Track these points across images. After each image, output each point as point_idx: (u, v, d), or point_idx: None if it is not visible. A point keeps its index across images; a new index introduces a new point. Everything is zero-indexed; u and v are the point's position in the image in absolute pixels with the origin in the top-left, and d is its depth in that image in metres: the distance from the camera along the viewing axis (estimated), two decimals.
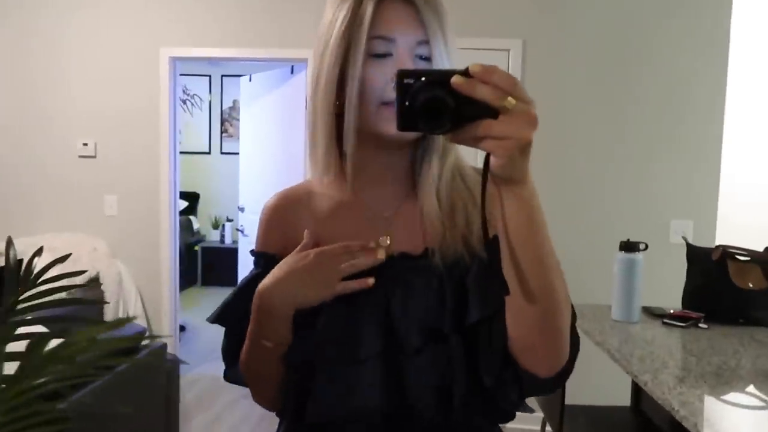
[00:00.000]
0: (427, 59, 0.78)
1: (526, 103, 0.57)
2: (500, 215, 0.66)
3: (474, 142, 0.58)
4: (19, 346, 0.76)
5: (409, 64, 0.76)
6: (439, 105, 0.57)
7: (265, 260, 0.87)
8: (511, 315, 0.72)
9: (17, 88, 3.48)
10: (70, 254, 0.78)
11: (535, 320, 0.69)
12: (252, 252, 0.90)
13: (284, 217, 0.88)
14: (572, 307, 0.74)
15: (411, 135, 0.77)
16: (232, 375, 0.89)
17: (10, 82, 3.48)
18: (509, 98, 0.56)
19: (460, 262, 0.78)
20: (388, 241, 0.81)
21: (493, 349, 0.74)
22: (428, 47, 0.78)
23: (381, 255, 0.79)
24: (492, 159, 0.60)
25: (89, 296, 3.24)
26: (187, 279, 6.25)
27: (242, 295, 0.85)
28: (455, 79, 0.57)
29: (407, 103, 0.58)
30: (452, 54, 0.79)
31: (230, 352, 0.88)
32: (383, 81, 0.75)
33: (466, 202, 0.82)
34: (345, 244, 0.80)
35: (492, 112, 0.57)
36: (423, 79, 0.59)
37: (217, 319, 0.87)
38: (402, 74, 0.60)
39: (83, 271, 0.84)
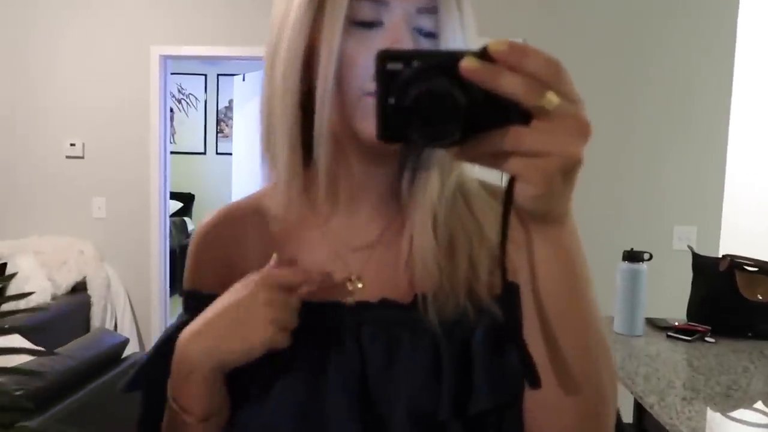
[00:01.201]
0: (432, 35, 0.56)
1: (573, 102, 0.38)
2: (526, 267, 0.46)
3: (493, 160, 0.39)
4: None
5: (405, 40, 0.54)
6: (443, 103, 0.38)
7: (196, 302, 0.63)
8: (534, 406, 0.52)
9: (3, 87, 3.38)
10: (16, 273, 0.68)
11: (568, 417, 0.50)
12: (181, 292, 0.67)
13: (223, 243, 0.65)
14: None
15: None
16: None
17: None
18: (549, 94, 0.37)
19: (462, 319, 0.57)
20: (360, 285, 0.61)
21: None
22: (434, 18, 0.55)
23: (349, 299, 0.58)
24: (518, 185, 0.40)
25: (76, 301, 3.15)
26: (181, 282, 6.15)
27: (163, 350, 0.61)
28: (467, 63, 0.37)
29: (393, 101, 0.39)
30: (468, 31, 0.57)
31: (147, 425, 0.64)
32: (368, 60, 0.52)
33: (471, 234, 0.59)
34: (305, 272, 0.58)
35: (522, 114, 0.39)
36: (417, 63, 0.39)
37: (131, 385, 0.63)
38: (384, 57, 0.40)
39: (31, 293, 0.74)
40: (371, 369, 0.57)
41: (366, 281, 0.61)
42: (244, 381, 0.58)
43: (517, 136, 0.38)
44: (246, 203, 0.69)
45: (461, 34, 0.56)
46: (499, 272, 0.44)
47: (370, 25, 0.55)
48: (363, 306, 0.60)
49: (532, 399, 0.52)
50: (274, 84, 0.59)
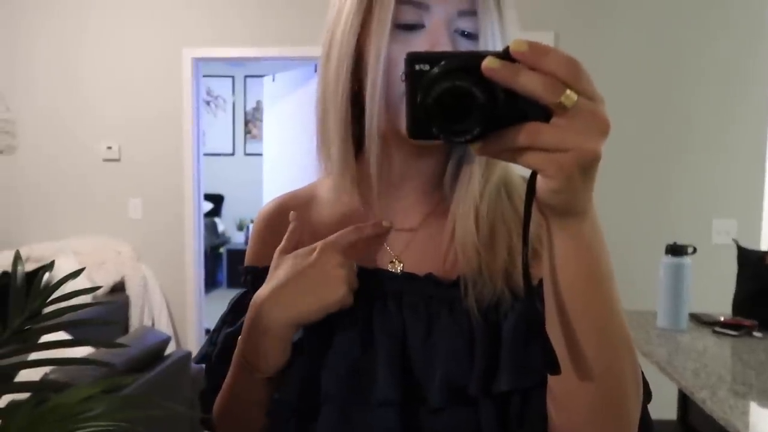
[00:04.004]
0: (472, 36, 0.59)
1: (592, 99, 0.40)
2: (546, 258, 0.48)
3: (513, 154, 0.42)
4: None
5: (444, 41, 0.57)
6: (462, 100, 0.40)
7: (254, 276, 0.70)
8: (556, 394, 0.54)
9: (40, 92, 3.46)
10: (83, 269, 0.70)
11: (589, 407, 0.51)
12: (240, 269, 0.74)
13: (280, 228, 0.70)
14: (646, 383, 0.56)
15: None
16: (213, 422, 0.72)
17: (34, 86, 3.47)
18: (568, 92, 0.39)
19: (499, 304, 0.60)
20: (400, 266, 0.65)
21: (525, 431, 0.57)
22: (474, 20, 0.58)
23: (387, 224, 0.65)
24: (540, 180, 0.43)
25: (115, 301, 3.21)
26: (212, 281, 6.24)
27: (226, 322, 0.71)
28: (489, 63, 0.39)
29: (419, 100, 0.42)
30: (509, 31, 0.59)
31: (214, 393, 0.70)
32: None
33: (511, 227, 0.62)
34: (356, 227, 0.63)
35: (542, 112, 0.40)
36: (442, 64, 0.42)
37: (203, 357, 0.72)
38: (413, 58, 0.43)
39: (98, 287, 0.76)
40: (411, 338, 0.61)
41: (407, 263, 0.65)
42: (301, 337, 0.63)
43: (535, 132, 0.40)
44: (302, 192, 0.75)
45: (500, 35, 0.59)
46: (531, 263, 0.46)
47: (412, 27, 0.59)
48: (409, 277, 0.64)
49: (552, 384, 0.54)
50: (327, 83, 0.64)
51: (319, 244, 0.62)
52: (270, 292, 0.61)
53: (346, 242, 0.62)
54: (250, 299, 0.68)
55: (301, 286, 0.60)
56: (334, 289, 0.59)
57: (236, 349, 0.65)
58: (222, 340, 0.70)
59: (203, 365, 0.74)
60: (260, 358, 0.62)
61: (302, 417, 0.62)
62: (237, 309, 0.71)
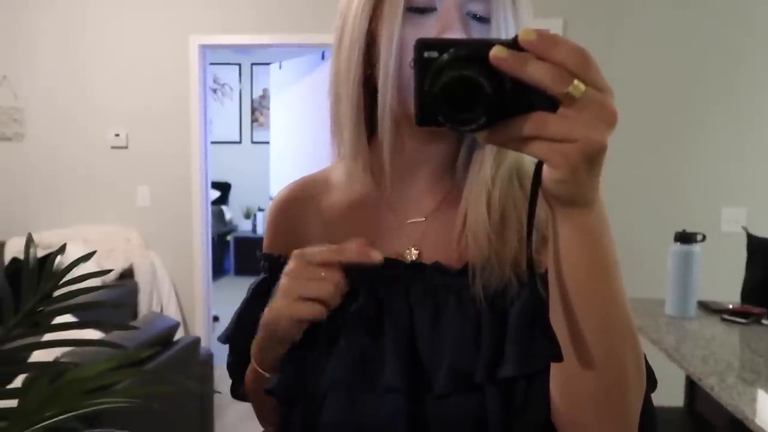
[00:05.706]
0: (483, 20, 0.59)
1: (600, 90, 0.40)
2: (551, 247, 0.48)
3: (519, 144, 0.41)
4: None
5: (456, 25, 0.57)
6: (469, 89, 0.40)
7: (270, 263, 0.72)
8: (558, 381, 0.54)
9: (48, 79, 3.47)
10: (95, 252, 0.71)
11: (590, 394, 0.51)
12: (258, 254, 0.75)
13: (295, 211, 0.72)
14: (651, 372, 0.56)
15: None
16: (241, 392, 0.76)
17: (42, 73, 3.47)
18: (576, 82, 0.39)
19: (506, 291, 0.60)
20: (414, 256, 0.65)
21: (528, 418, 0.57)
22: (486, 3, 0.58)
23: (377, 257, 0.57)
24: (545, 170, 0.42)
25: (124, 287, 3.23)
26: (219, 269, 6.27)
27: (249, 304, 0.72)
28: (496, 52, 0.39)
29: (426, 86, 0.42)
30: (522, 15, 0.59)
31: (236, 367, 0.74)
32: None
33: (522, 213, 0.62)
34: (332, 249, 0.58)
35: (550, 102, 0.40)
36: (450, 51, 0.41)
37: (227, 338, 0.74)
38: (422, 45, 0.43)
39: (109, 270, 0.76)
40: (419, 327, 0.61)
41: (424, 251, 0.65)
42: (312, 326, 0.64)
43: (542, 121, 0.40)
44: (317, 177, 0.74)
45: (513, 19, 0.58)
46: (540, 250, 0.47)
47: (424, 10, 0.59)
48: (417, 266, 0.64)
49: (555, 370, 0.54)
50: (339, 68, 0.64)
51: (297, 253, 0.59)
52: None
53: (316, 259, 0.58)
54: (269, 284, 0.69)
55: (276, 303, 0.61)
56: (286, 305, 0.58)
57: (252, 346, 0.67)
58: (250, 324, 0.71)
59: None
60: (268, 362, 0.65)
61: (308, 405, 0.62)
62: (259, 293, 0.72)
